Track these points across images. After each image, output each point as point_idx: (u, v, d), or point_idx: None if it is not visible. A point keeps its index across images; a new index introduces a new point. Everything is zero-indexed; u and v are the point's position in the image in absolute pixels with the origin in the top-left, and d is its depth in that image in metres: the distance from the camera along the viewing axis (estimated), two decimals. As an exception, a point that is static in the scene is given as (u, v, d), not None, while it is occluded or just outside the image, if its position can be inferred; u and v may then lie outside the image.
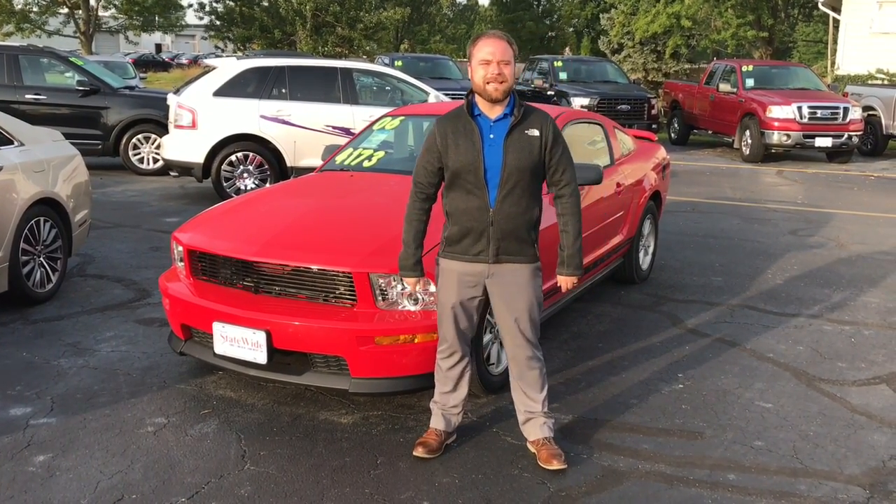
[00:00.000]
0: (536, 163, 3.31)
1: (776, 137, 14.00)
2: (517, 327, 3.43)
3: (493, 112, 3.31)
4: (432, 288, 3.73)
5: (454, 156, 3.30)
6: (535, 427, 3.58)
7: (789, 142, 13.97)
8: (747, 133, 14.62)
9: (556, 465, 3.45)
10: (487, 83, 3.23)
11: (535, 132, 3.31)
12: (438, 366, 3.58)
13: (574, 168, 3.42)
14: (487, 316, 3.95)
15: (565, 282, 3.45)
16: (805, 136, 13.96)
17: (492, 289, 3.41)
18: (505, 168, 3.27)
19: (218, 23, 27.88)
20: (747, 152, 14.60)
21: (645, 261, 6.53)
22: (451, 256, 3.41)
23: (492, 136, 3.30)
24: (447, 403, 3.61)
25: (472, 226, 3.32)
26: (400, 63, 17.28)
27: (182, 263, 4.30)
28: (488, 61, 3.22)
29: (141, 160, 11.52)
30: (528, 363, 3.50)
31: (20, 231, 5.34)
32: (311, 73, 9.79)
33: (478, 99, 3.33)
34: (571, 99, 15.55)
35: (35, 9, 32.93)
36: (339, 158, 5.56)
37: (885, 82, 18.78)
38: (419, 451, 3.54)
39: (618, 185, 5.76)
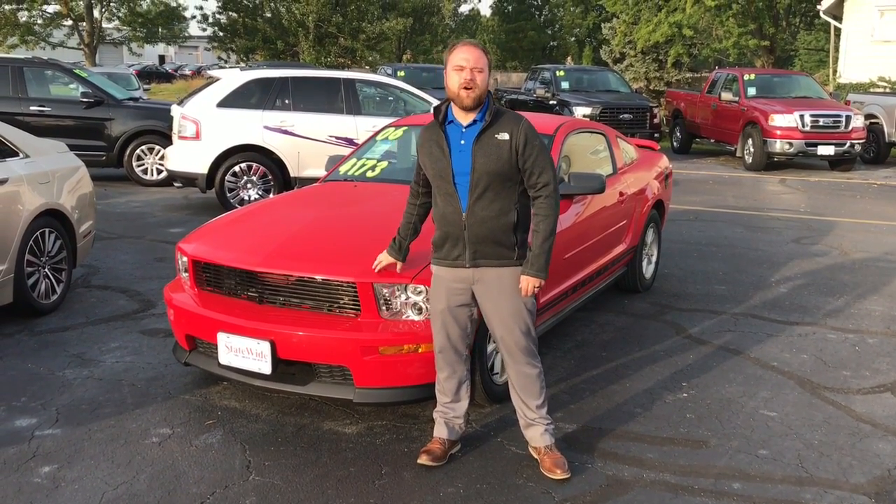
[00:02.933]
0: (507, 166, 3.30)
1: (778, 146, 14.02)
2: (506, 334, 3.44)
3: (466, 118, 3.35)
4: (435, 297, 3.75)
5: (429, 163, 3.41)
6: (536, 434, 3.58)
7: (791, 150, 13.98)
8: (749, 142, 14.63)
9: (559, 475, 3.45)
10: (461, 89, 3.26)
11: (505, 136, 3.31)
12: (437, 377, 3.60)
13: (553, 170, 3.38)
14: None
15: (526, 282, 3.37)
16: (807, 145, 13.98)
17: (479, 295, 3.43)
18: (474, 172, 3.30)
19: (221, 34, 28.03)
20: (750, 161, 14.62)
21: (648, 269, 6.53)
22: (436, 262, 3.48)
23: (462, 142, 3.34)
24: (448, 413, 3.62)
25: (449, 230, 3.39)
26: (402, 73, 17.36)
27: (186, 274, 4.31)
28: (462, 67, 3.26)
29: (145, 171, 11.56)
30: (521, 370, 3.50)
31: (25, 242, 5.36)
32: (314, 84, 9.83)
33: (453, 106, 3.37)
34: (574, 108, 15.58)
35: (39, 21, 33.12)
36: (342, 169, 5.58)
37: (887, 90, 18.80)
38: (424, 459, 3.55)
39: (621, 194, 5.77)
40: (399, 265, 3.70)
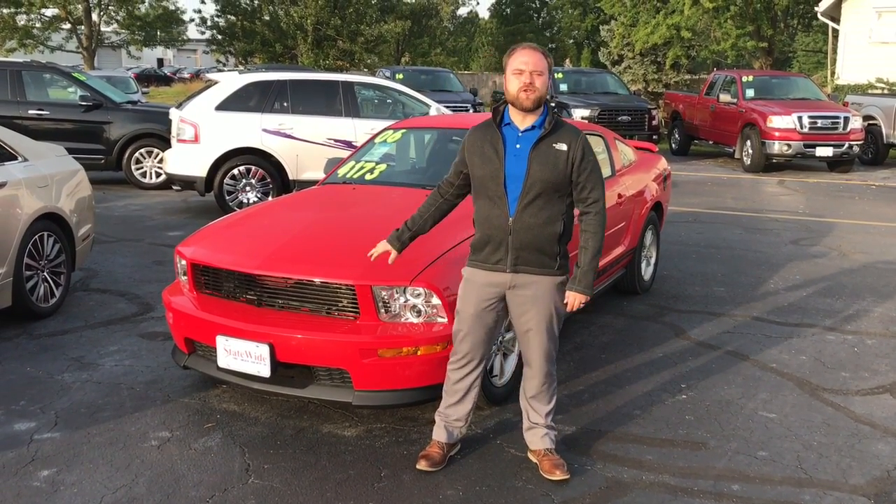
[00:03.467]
0: (561, 177, 3.31)
1: (777, 147, 14.03)
2: (533, 339, 3.44)
3: (524, 122, 3.34)
4: (434, 300, 3.75)
5: (478, 162, 3.37)
6: (537, 437, 3.59)
7: (790, 151, 14.00)
8: (748, 143, 14.65)
9: (559, 476, 3.45)
10: (520, 92, 3.27)
11: (563, 146, 3.32)
12: (448, 376, 3.58)
13: (603, 187, 3.42)
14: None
15: (573, 298, 3.41)
16: (806, 146, 14.00)
17: (511, 300, 3.42)
18: (528, 178, 3.29)
19: (219, 37, 28.04)
20: (748, 162, 14.63)
21: (647, 271, 6.54)
22: (473, 265, 3.45)
23: (518, 146, 3.33)
24: (450, 416, 3.61)
25: (492, 234, 3.36)
26: (401, 76, 17.37)
27: (185, 277, 4.31)
28: (521, 70, 3.27)
29: (143, 174, 11.56)
30: (539, 376, 3.51)
31: (24, 246, 5.36)
32: (312, 87, 9.84)
33: (511, 108, 3.37)
34: (572, 110, 15.59)
35: (38, 25, 33.13)
36: (341, 171, 5.59)
37: (885, 91, 18.82)
38: (422, 465, 3.54)
39: (619, 196, 5.77)
40: (393, 255, 3.63)
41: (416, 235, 3.67)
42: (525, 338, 3.47)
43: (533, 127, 3.34)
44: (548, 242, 3.35)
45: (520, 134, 3.35)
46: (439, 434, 3.62)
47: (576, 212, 3.45)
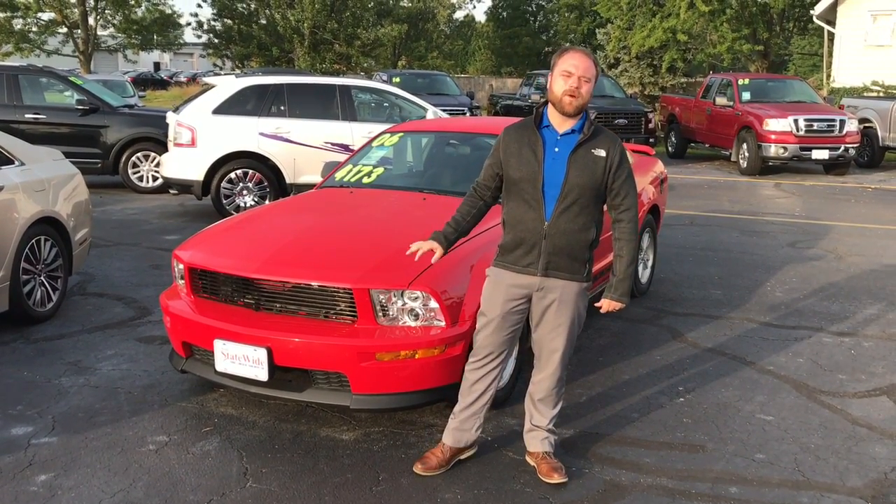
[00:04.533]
0: (598, 183, 3.30)
1: (773, 150, 14.06)
2: (553, 341, 3.44)
3: (563, 126, 3.32)
4: (432, 303, 3.75)
5: (515, 164, 3.33)
6: (536, 440, 3.59)
7: (786, 154, 14.03)
8: (744, 146, 14.68)
9: (556, 479, 3.45)
10: (565, 95, 3.24)
11: (602, 152, 3.30)
12: (466, 377, 3.56)
13: (636, 194, 3.41)
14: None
15: (610, 305, 3.43)
16: (802, 149, 14.02)
17: (537, 302, 3.41)
18: (566, 183, 3.27)
19: (216, 41, 28.08)
20: (744, 165, 14.66)
21: (644, 274, 6.55)
22: (501, 265, 3.43)
23: (556, 149, 3.30)
24: (464, 416, 3.58)
25: (525, 237, 3.33)
26: (398, 79, 17.38)
27: (183, 281, 4.31)
28: (570, 73, 3.23)
29: (140, 178, 11.54)
30: (551, 380, 3.52)
31: (21, 250, 5.35)
32: (309, 91, 9.84)
33: (550, 110, 3.34)
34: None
35: (34, 28, 33.14)
36: (338, 175, 5.59)
37: (881, 94, 18.88)
38: (417, 468, 3.54)
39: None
40: (438, 254, 3.46)
41: (461, 237, 3.56)
42: (545, 339, 3.46)
43: (572, 131, 3.31)
44: (580, 248, 3.35)
45: (558, 137, 3.32)
46: (446, 437, 3.60)
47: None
